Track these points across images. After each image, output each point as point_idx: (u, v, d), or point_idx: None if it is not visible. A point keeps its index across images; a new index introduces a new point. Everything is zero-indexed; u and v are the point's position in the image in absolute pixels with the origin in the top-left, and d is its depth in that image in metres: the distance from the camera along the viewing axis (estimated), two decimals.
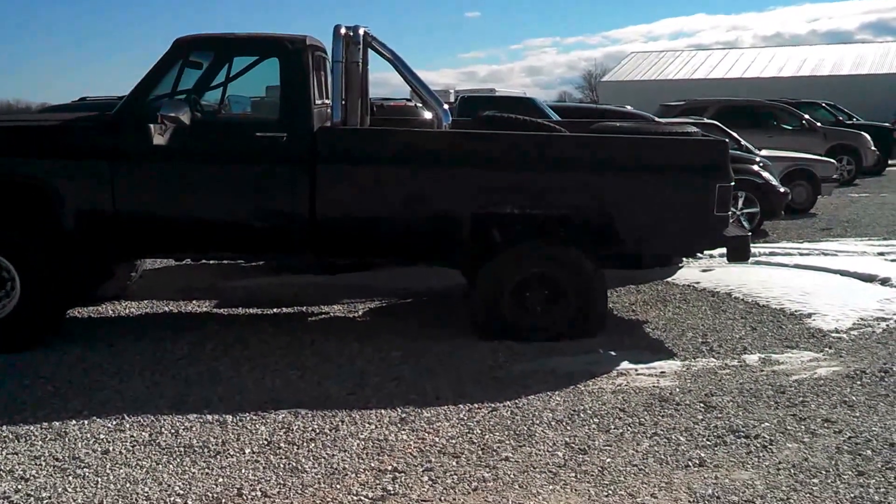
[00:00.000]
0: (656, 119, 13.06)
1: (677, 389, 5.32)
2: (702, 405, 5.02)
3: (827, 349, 6.26)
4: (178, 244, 6.39)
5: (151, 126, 5.94)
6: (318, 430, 4.66)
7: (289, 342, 6.32)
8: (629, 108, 18.03)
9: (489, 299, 6.29)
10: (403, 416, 4.88)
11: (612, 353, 6.11)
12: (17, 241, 6.05)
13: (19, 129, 6.61)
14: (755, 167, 11.82)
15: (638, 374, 5.64)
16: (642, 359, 5.97)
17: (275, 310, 7.40)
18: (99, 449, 4.41)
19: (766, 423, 4.74)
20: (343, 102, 6.46)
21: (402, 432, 4.66)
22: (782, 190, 11.85)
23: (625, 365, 5.83)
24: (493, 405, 5.03)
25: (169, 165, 6.16)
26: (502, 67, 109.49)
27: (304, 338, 6.44)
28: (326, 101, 6.79)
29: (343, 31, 6.48)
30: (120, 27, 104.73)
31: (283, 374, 5.59)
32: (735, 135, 13.10)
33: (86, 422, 4.75)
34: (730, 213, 6.49)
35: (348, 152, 6.23)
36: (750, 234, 6.99)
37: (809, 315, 7.15)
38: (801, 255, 10.14)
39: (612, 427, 4.71)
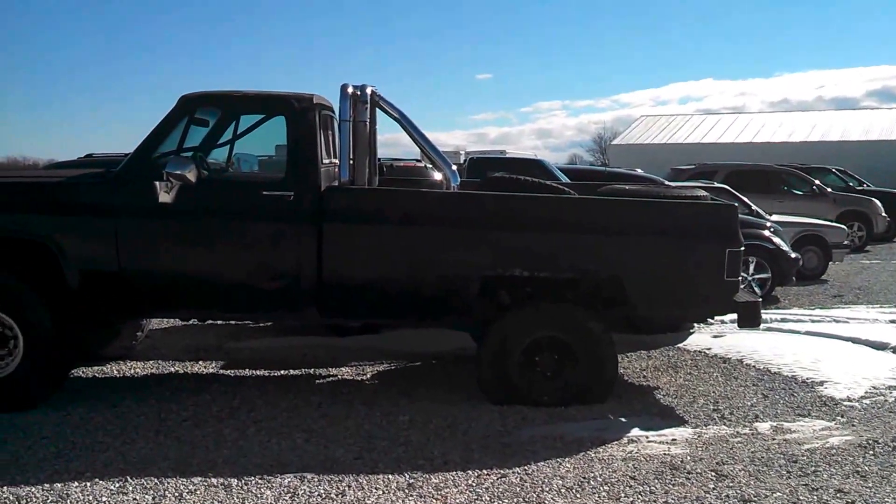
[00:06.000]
0: (666, 182, 13.08)
1: (688, 457, 5.22)
2: (713, 474, 4.92)
3: (839, 418, 6.16)
4: (184, 303, 6.35)
5: (157, 183, 5.95)
6: (324, 495, 4.57)
7: (296, 405, 6.25)
8: (639, 171, 18.11)
9: (497, 363, 6.23)
10: (411, 481, 4.79)
11: (623, 419, 6.02)
12: (20, 298, 6.02)
13: (25, 186, 6.59)
14: (766, 232, 11.79)
15: (649, 442, 5.55)
16: (653, 426, 5.88)
17: (282, 371, 7.34)
18: None
19: (778, 493, 4.64)
20: (350, 162, 6.48)
21: (410, 498, 4.57)
22: (793, 255, 11.79)
23: (635, 432, 5.73)
24: (501, 471, 4.94)
25: (174, 223, 6.15)
26: (513, 129, 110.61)
27: (311, 400, 6.37)
28: (334, 161, 6.81)
29: (350, 90, 6.51)
30: (127, 84, 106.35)
31: (289, 438, 5.52)
32: (745, 199, 13.11)
33: (88, 484, 4.67)
34: (740, 278, 6.45)
35: (356, 212, 6.22)
36: (761, 299, 6.93)
37: (821, 383, 7.06)
38: (812, 321, 10.05)
39: (623, 496, 4.61)
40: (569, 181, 10.50)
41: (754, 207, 13.21)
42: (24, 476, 4.77)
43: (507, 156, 19.57)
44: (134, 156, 6.27)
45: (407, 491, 4.67)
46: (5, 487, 4.60)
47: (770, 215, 13.58)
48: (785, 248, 11.80)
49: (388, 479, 4.83)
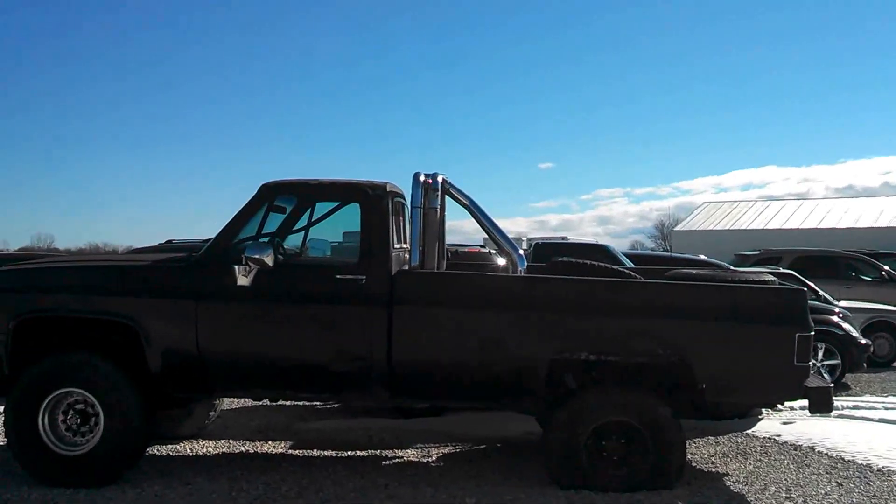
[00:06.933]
0: (731, 268, 13.01)
1: None
2: None
3: None
4: (258, 383, 6.47)
5: (236, 267, 6.15)
6: None
7: (363, 485, 6.30)
8: (703, 256, 18.01)
9: (564, 447, 6.22)
10: None
11: None
12: (102, 377, 6.22)
13: (111, 269, 6.80)
14: (834, 318, 11.64)
15: None
16: None
17: (349, 452, 7.41)
18: None
19: None
20: (421, 247, 6.63)
21: None
22: (863, 341, 11.60)
23: None
24: None
25: (252, 306, 6.32)
26: (573, 216, 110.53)
27: (377, 482, 6.42)
28: (404, 246, 6.98)
29: (422, 177, 6.71)
30: (201, 173, 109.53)
31: None
32: (812, 285, 12.97)
33: None
34: (810, 363, 6.37)
35: (425, 295, 6.33)
36: (832, 385, 6.83)
37: None
38: (885, 409, 9.80)
39: None
40: (633, 266, 10.54)
41: (822, 293, 13.07)
42: None
43: (572, 241, 19.62)
44: (216, 240, 6.49)
45: None
46: None
47: (838, 301, 13.40)
48: (855, 333, 11.62)
49: None
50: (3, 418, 6.36)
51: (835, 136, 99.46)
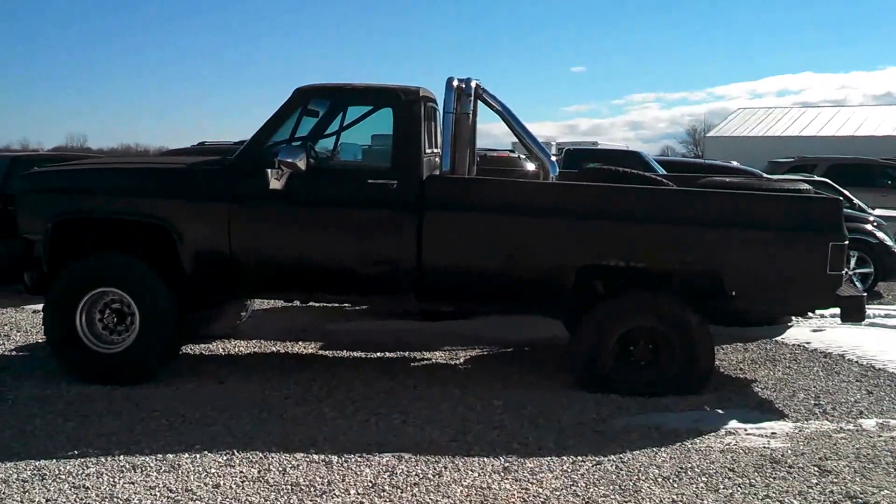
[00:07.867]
0: (765, 175, 12.83)
1: (789, 451, 5.15)
2: (816, 469, 4.85)
3: None
4: (290, 285, 6.53)
5: (269, 171, 6.13)
6: (421, 475, 4.68)
7: (392, 386, 6.39)
8: (735, 163, 17.77)
9: (591, 351, 6.25)
10: (507, 465, 4.86)
11: (720, 411, 5.96)
12: (138, 278, 6.31)
13: (146, 171, 6.91)
14: (868, 226, 11.49)
15: (747, 434, 5.49)
16: (751, 418, 5.82)
17: (378, 354, 7.50)
18: (210, 482, 4.53)
19: (886, 491, 4.54)
20: (452, 152, 6.56)
21: (506, 482, 4.63)
22: None
23: (733, 424, 5.68)
24: (597, 458, 4.97)
25: (284, 209, 6.33)
26: (604, 121, 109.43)
27: (406, 382, 6.51)
28: (436, 150, 6.91)
29: (455, 83, 6.60)
30: (234, 74, 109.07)
31: (386, 418, 5.65)
32: (847, 193, 12.76)
33: (197, 455, 4.89)
34: (843, 272, 6.31)
35: (456, 201, 6.30)
36: (865, 294, 6.77)
37: None
38: None
39: (722, 487, 4.58)
40: (666, 173, 10.41)
41: (856, 201, 12.87)
42: (138, 446, 5.03)
43: (604, 147, 19.41)
44: (249, 144, 6.47)
45: (503, 474, 4.74)
46: (122, 456, 4.86)
47: (873, 210, 13.20)
48: (889, 242, 11.48)
49: (484, 461, 4.91)
50: (42, 315, 6.48)
51: (874, 42, 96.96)
